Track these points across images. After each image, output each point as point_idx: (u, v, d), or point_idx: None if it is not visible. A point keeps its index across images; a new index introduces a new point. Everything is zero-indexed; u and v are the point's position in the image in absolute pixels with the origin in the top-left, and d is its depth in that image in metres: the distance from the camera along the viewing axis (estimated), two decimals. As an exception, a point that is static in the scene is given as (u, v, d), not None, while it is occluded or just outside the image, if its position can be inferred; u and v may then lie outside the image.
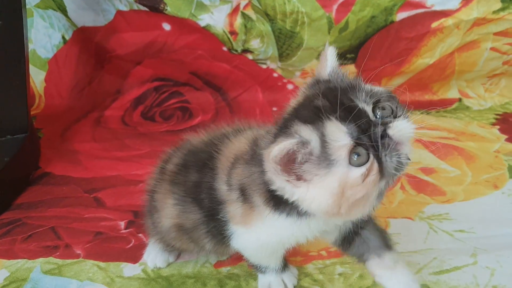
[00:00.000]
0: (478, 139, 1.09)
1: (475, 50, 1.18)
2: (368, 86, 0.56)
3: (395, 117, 0.54)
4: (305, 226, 0.59)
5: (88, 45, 1.36)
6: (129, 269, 0.78)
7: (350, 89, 0.54)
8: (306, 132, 0.51)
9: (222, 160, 0.64)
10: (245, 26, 1.24)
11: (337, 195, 0.51)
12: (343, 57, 1.23)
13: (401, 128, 0.53)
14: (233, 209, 0.62)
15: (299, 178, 0.51)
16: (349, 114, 0.50)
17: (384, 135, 0.51)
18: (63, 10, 1.30)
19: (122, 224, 0.89)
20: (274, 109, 1.33)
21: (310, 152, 0.50)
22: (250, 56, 1.30)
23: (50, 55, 1.35)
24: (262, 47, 1.26)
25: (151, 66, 1.36)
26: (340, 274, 0.74)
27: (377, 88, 0.56)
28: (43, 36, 1.32)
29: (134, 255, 0.81)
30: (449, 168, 0.99)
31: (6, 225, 0.92)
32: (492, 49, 1.18)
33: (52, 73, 1.37)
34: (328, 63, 0.58)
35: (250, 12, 1.22)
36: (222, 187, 0.62)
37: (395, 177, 0.54)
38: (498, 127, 1.14)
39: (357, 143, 0.50)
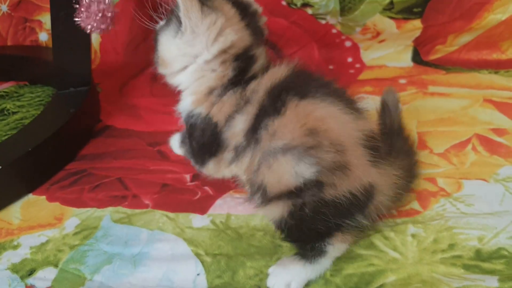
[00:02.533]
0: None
1: None
2: None
3: None
4: None
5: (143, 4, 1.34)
6: (198, 220, 0.79)
7: None
8: None
9: None
10: None
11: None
12: (409, 11, 1.18)
13: None
14: None
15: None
16: None
17: None
18: None
19: (187, 177, 0.90)
20: (331, 67, 1.29)
21: None
22: (309, 11, 1.26)
23: (107, 9, 1.34)
24: (323, 0, 1.22)
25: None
26: (413, 236, 0.72)
27: None
28: (99, -12, 1.31)
29: (202, 206, 0.82)
30: (522, 130, 0.95)
31: (73, 175, 0.94)
32: None
33: (108, 29, 1.37)
34: None
35: None
36: None
37: None
38: None
39: None
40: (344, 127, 0.61)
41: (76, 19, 0.85)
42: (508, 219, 0.73)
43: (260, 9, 0.69)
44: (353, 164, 0.60)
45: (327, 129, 0.59)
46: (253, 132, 0.63)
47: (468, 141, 0.93)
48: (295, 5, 1.25)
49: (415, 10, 1.18)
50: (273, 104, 0.62)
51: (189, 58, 0.67)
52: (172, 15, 0.67)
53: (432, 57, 1.24)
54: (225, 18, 0.65)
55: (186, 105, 0.70)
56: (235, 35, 0.65)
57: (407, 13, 1.20)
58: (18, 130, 0.99)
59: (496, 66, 1.18)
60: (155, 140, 1.02)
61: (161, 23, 0.69)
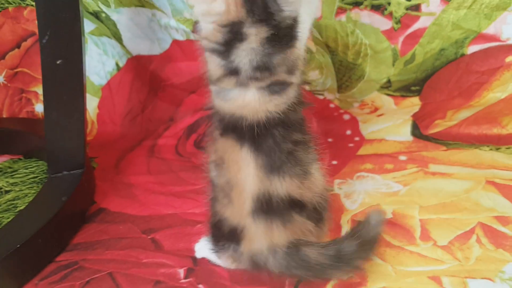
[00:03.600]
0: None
1: None
2: None
3: None
4: None
5: (142, 72, 1.35)
6: (191, 326, 0.75)
7: None
8: None
9: None
10: (304, 58, 1.21)
11: None
12: (407, 89, 1.17)
13: None
14: None
15: None
16: None
17: None
18: (118, 38, 1.29)
19: (181, 272, 0.87)
20: (330, 140, 1.28)
21: None
22: (307, 87, 1.26)
23: (104, 82, 1.35)
24: (320, 78, 1.23)
25: (206, 95, 1.34)
26: None
27: None
28: (97, 63, 1.32)
29: (195, 310, 0.78)
30: (527, 218, 0.92)
31: (64, 268, 0.90)
32: None
33: (106, 100, 1.37)
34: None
35: (310, 44, 1.20)
36: None
37: None
38: None
39: None
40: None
41: None
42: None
43: None
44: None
45: None
46: None
47: (472, 231, 0.90)
48: (293, 82, 1.26)
49: (412, 88, 1.18)
50: None
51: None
52: None
53: (432, 131, 1.22)
54: None
55: None
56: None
57: (405, 91, 1.20)
58: (4, 225, 0.96)
59: (497, 142, 1.16)
60: (149, 226, 1.00)
61: None
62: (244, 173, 0.69)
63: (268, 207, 0.69)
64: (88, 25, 1.28)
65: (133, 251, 0.93)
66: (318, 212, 0.73)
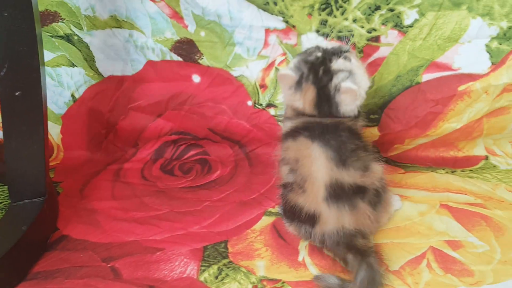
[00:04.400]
0: (506, 206, 1.04)
1: (505, 116, 1.16)
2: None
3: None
4: None
5: (102, 102, 1.35)
6: None
7: (311, 60, 0.94)
8: (337, 77, 0.92)
9: None
10: (276, 81, 1.25)
11: (366, 77, 0.97)
12: (367, 118, 1.21)
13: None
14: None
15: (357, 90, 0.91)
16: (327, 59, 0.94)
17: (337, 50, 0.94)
18: (90, 60, 1.30)
19: (138, 302, 0.88)
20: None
21: (347, 74, 0.92)
22: (272, 111, 1.29)
23: (63, 111, 1.35)
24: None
25: (172, 118, 1.36)
26: None
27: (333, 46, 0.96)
28: (53, 94, 1.33)
29: None
30: (476, 242, 0.95)
31: (23, 298, 0.91)
32: None
33: (67, 127, 1.38)
34: (287, 77, 0.95)
35: (283, 68, 1.23)
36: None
37: None
38: (528, 191, 1.09)
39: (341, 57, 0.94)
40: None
41: None
42: None
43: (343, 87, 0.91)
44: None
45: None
46: None
47: (423, 255, 0.93)
48: (261, 105, 1.29)
49: (372, 116, 1.21)
50: None
51: None
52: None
53: (391, 154, 1.26)
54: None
55: None
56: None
57: (366, 119, 1.23)
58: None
59: (453, 165, 1.20)
60: (110, 254, 1.00)
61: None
62: (316, 165, 0.88)
63: (339, 193, 0.87)
64: (47, 55, 1.29)
65: (91, 280, 0.93)
66: (378, 194, 0.91)
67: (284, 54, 1.23)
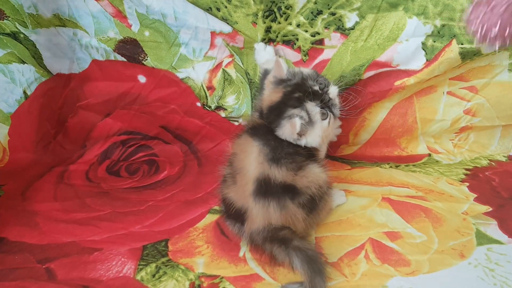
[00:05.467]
0: (446, 198, 1.06)
1: (433, 95, 1.19)
2: (306, 72, 0.98)
3: (326, 86, 0.96)
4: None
5: (52, 98, 1.33)
6: None
7: (304, 80, 0.95)
8: (299, 112, 0.92)
9: None
10: (224, 82, 1.24)
11: (321, 135, 0.94)
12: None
13: (333, 91, 0.96)
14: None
15: (300, 134, 0.91)
16: (312, 95, 0.92)
17: (328, 98, 0.94)
18: (38, 58, 1.27)
19: (69, 303, 0.85)
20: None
21: (304, 121, 0.91)
22: (222, 114, 1.29)
23: (13, 110, 1.31)
24: (236, 103, 1.27)
25: (121, 118, 1.34)
26: None
27: (309, 71, 0.99)
28: (4, 91, 1.28)
29: None
30: (415, 233, 0.96)
31: (-50, 303, 0.87)
32: (449, 93, 1.19)
33: (16, 127, 1.33)
34: (283, 68, 0.97)
35: (231, 70, 1.24)
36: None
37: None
38: (467, 184, 1.11)
39: (321, 108, 0.92)
40: None
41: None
42: None
43: None
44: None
45: None
46: None
47: (361, 247, 0.93)
48: (210, 107, 1.28)
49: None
50: None
51: None
52: None
53: (339, 154, 1.27)
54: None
55: None
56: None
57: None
58: None
59: (397, 161, 1.22)
60: (46, 255, 0.97)
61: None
62: (249, 159, 0.90)
63: (267, 189, 0.88)
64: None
65: (24, 282, 0.90)
66: (313, 201, 0.90)
67: (232, 56, 1.23)
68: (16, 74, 1.29)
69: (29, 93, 1.30)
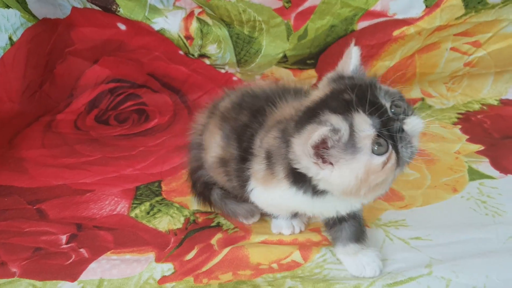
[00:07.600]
0: (438, 139, 1.06)
1: (436, 51, 1.17)
2: (384, 86, 0.63)
3: (405, 115, 0.60)
4: (318, 203, 0.66)
5: (43, 42, 1.29)
6: (67, 288, 0.73)
7: (371, 87, 0.60)
8: (337, 121, 0.57)
9: (270, 118, 0.71)
10: (201, 31, 1.20)
11: (361, 179, 0.58)
12: (303, 63, 1.19)
13: (414, 124, 0.59)
14: (257, 167, 0.69)
15: (325, 161, 0.58)
16: (374, 109, 0.57)
17: (400, 129, 0.58)
18: (22, 2, 1.23)
19: (63, 238, 0.84)
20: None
21: (339, 139, 0.57)
22: (207, 61, 1.26)
23: (-1, 57, 1.27)
24: (219, 52, 1.23)
25: (108, 65, 1.32)
26: (289, 288, 0.70)
27: (391, 89, 0.63)
28: (-11, 39, 1.25)
29: (73, 272, 0.76)
30: (408, 171, 0.96)
31: None
32: (452, 49, 1.17)
33: (1, 76, 1.30)
34: (352, 61, 0.66)
35: (205, 17, 1.20)
36: (257, 142, 0.70)
37: (407, 165, 0.62)
38: (459, 126, 1.11)
39: (379, 135, 0.57)
40: None
41: None
42: (385, 268, 0.72)
43: None
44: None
45: None
46: None
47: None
48: (192, 55, 1.25)
49: (308, 61, 1.20)
50: None
51: None
52: None
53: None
54: None
55: None
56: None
57: (301, 64, 1.22)
58: None
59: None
60: (36, 197, 0.96)
61: None
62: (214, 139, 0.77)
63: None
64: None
65: (15, 221, 0.89)
66: None
67: (200, 6, 1.19)
68: (1, 20, 1.25)
69: (15, 39, 1.26)
